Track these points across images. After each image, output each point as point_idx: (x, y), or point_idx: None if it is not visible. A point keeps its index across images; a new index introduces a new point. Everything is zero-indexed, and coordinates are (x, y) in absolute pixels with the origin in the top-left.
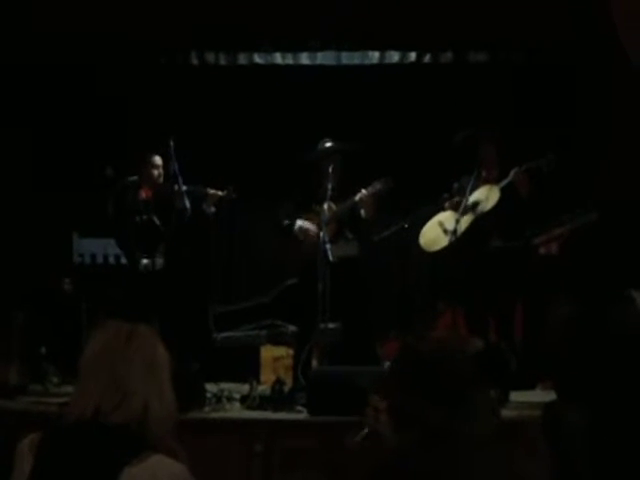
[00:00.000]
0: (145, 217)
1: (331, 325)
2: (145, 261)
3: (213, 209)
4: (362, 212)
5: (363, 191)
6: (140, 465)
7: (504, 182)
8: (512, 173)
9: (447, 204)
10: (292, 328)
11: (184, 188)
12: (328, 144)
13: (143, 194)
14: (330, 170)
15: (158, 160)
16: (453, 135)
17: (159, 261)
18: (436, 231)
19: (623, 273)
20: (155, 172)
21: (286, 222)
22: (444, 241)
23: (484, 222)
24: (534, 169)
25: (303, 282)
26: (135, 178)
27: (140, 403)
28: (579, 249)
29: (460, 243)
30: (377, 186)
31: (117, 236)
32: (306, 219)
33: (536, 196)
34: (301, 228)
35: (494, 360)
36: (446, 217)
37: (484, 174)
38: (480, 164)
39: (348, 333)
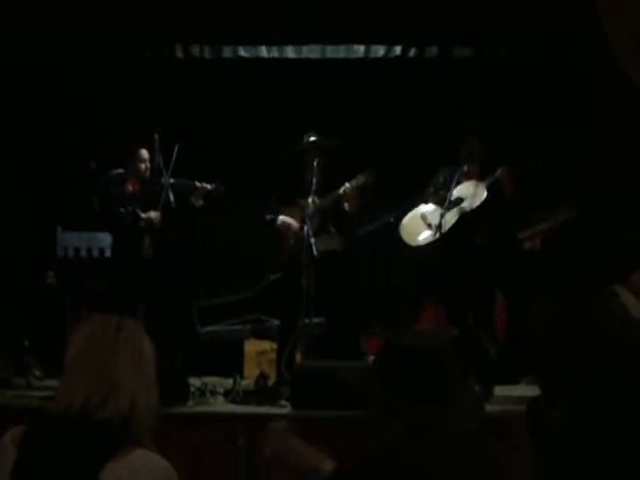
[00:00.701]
0: (130, 210)
1: (315, 320)
2: (143, 216)
3: (201, 202)
4: (346, 205)
5: (347, 184)
6: (122, 460)
7: (490, 180)
8: (499, 171)
9: (430, 198)
10: (276, 322)
11: (170, 181)
12: (312, 138)
13: (130, 187)
14: (315, 164)
15: (145, 154)
16: (439, 128)
17: (146, 252)
18: (418, 224)
19: (606, 268)
20: (142, 166)
21: (269, 217)
22: (427, 235)
23: (470, 219)
24: (519, 169)
25: (287, 276)
26: (121, 171)
27: (128, 396)
28: (561, 244)
29: (446, 239)
30: (361, 179)
31: (105, 228)
32: (289, 214)
33: (521, 195)
34: (284, 223)
35: (472, 348)
36: (429, 211)
37: (466, 168)
38: (463, 158)
39: (332, 327)
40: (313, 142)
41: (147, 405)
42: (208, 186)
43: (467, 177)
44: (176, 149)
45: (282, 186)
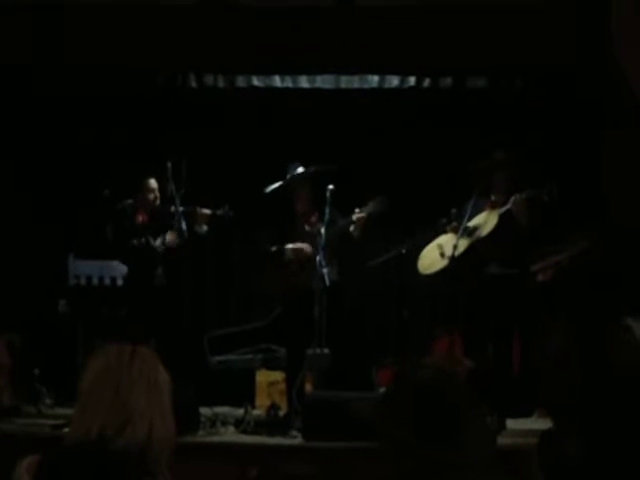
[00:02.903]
0: (143, 240)
1: (325, 350)
2: (160, 240)
3: (205, 228)
4: (354, 233)
5: (357, 210)
6: None
7: (503, 209)
8: (511, 200)
9: (448, 227)
10: (286, 353)
11: (180, 209)
12: (298, 169)
13: (140, 218)
14: (328, 194)
15: (153, 183)
16: (467, 161)
17: (158, 281)
18: (433, 254)
19: (619, 301)
20: (151, 196)
21: (274, 248)
22: (439, 264)
23: (480, 247)
24: (534, 198)
25: (296, 306)
26: (130, 202)
27: (145, 425)
28: (573, 277)
29: (456, 267)
30: (372, 206)
31: (119, 257)
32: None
33: (536, 224)
34: (294, 250)
35: (486, 379)
36: (445, 240)
37: (493, 198)
38: (489, 188)
39: (342, 358)
40: (298, 174)
41: (164, 434)
42: (208, 211)
43: (492, 207)
44: (184, 165)
45: (278, 218)
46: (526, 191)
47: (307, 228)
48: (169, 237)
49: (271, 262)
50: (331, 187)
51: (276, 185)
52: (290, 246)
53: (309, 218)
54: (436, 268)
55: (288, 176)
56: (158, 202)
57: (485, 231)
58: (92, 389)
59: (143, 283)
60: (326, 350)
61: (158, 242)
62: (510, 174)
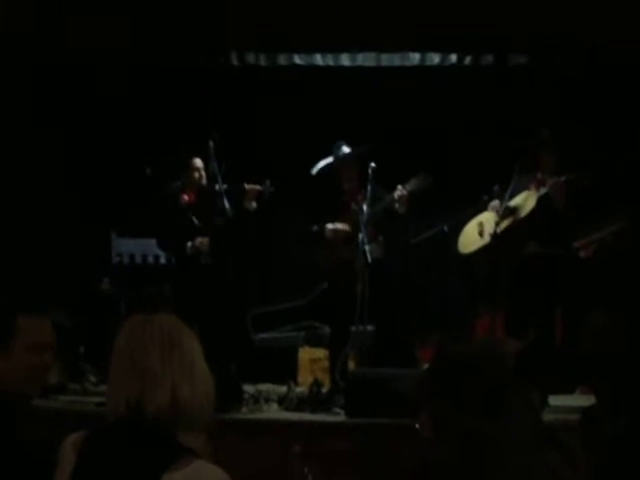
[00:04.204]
0: (188, 221)
1: (368, 327)
2: (190, 244)
3: (254, 205)
4: (398, 209)
5: (399, 187)
6: (179, 472)
7: (542, 191)
8: (549, 183)
9: (489, 206)
10: (329, 330)
11: (224, 187)
12: (343, 148)
13: (186, 198)
14: (370, 172)
15: (198, 163)
16: (513, 139)
17: (204, 260)
18: (472, 232)
19: None
20: (196, 175)
21: (315, 228)
22: (477, 243)
23: (520, 227)
24: (573, 181)
25: (338, 284)
26: (178, 183)
27: (167, 388)
28: (616, 253)
29: (495, 246)
30: (414, 182)
31: (158, 239)
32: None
33: (574, 208)
34: (333, 230)
35: (532, 361)
36: (486, 218)
37: (539, 176)
38: (536, 167)
39: (385, 335)
40: (345, 154)
41: (192, 395)
42: (258, 187)
43: (538, 185)
44: (211, 144)
45: (323, 197)
46: (566, 175)
47: (353, 206)
48: (198, 242)
49: (312, 241)
50: (373, 165)
51: (323, 164)
52: (330, 226)
53: (356, 196)
54: (474, 247)
55: (335, 155)
56: (204, 181)
57: (524, 212)
58: (114, 363)
59: (189, 261)
60: (369, 327)
61: (189, 245)
62: (557, 153)
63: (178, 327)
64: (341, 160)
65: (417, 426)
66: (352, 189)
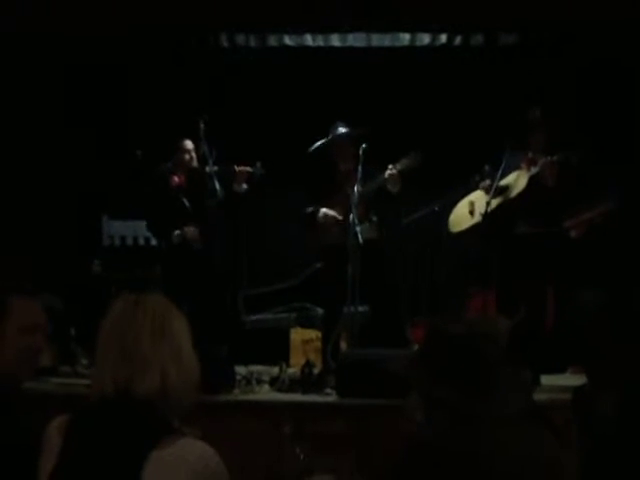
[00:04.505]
0: (178, 203)
1: (360, 308)
2: (177, 232)
3: (245, 186)
4: (391, 188)
5: (390, 166)
6: (167, 449)
7: (533, 171)
8: (540, 163)
9: (481, 185)
10: (321, 311)
11: (214, 169)
12: (341, 128)
13: (176, 179)
14: (360, 152)
15: (189, 144)
16: (504, 118)
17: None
18: (463, 211)
19: None
20: (186, 156)
21: (309, 210)
22: (467, 222)
23: (510, 207)
24: (564, 161)
25: (331, 265)
26: (169, 165)
27: (156, 370)
28: (607, 232)
29: (486, 225)
30: (405, 161)
31: (149, 221)
32: (330, 204)
33: (565, 187)
34: (326, 216)
35: (523, 340)
36: (476, 197)
37: (530, 155)
38: (526, 146)
39: (377, 316)
40: (344, 133)
41: (180, 378)
42: (248, 168)
43: (529, 163)
44: (202, 126)
45: (318, 178)
46: (557, 154)
47: (349, 187)
48: (186, 230)
49: (306, 222)
50: (364, 146)
51: (320, 143)
52: (323, 211)
53: (352, 177)
54: (464, 226)
55: (331, 135)
56: (194, 163)
57: (514, 192)
58: (101, 344)
59: (177, 247)
60: (361, 308)
61: (176, 233)
62: (547, 133)
63: (168, 309)
64: (337, 140)
65: (406, 406)
66: (348, 170)
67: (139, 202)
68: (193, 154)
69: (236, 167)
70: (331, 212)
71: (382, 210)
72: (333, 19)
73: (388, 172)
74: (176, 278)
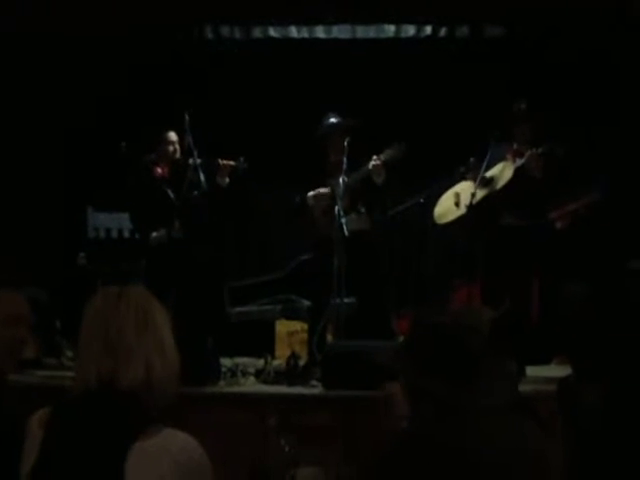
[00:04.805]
0: (160, 193)
1: (346, 300)
2: (154, 234)
3: (227, 180)
4: (376, 180)
5: (375, 157)
6: (150, 440)
7: (519, 162)
8: (526, 155)
9: (467, 176)
10: (307, 303)
11: (198, 161)
12: (334, 119)
13: (159, 170)
14: (345, 144)
15: (173, 136)
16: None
17: (176, 234)
18: (448, 203)
19: (635, 247)
20: (170, 148)
21: (298, 199)
22: (453, 214)
23: (496, 198)
24: (550, 152)
25: (318, 257)
26: (152, 156)
27: (140, 362)
28: (591, 224)
29: (472, 217)
30: (389, 152)
31: (132, 212)
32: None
33: (551, 178)
34: (315, 196)
35: (508, 329)
36: (462, 188)
37: (515, 146)
38: (511, 138)
39: (363, 308)
40: (337, 123)
41: (163, 370)
42: (232, 162)
43: (514, 155)
44: (187, 117)
45: (308, 169)
46: (542, 146)
47: (334, 179)
48: (176, 227)
49: (295, 212)
50: (348, 138)
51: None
52: (311, 193)
53: (341, 168)
54: (450, 218)
55: (323, 125)
56: (178, 155)
57: (500, 183)
58: (84, 336)
59: (160, 236)
60: (347, 300)
61: (155, 234)
62: (532, 125)
63: (150, 301)
64: (329, 130)
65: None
66: (338, 161)
67: (123, 193)
68: (177, 146)
69: (220, 160)
70: (319, 191)
71: (368, 201)
72: (317, 10)
73: (372, 163)
74: (161, 270)
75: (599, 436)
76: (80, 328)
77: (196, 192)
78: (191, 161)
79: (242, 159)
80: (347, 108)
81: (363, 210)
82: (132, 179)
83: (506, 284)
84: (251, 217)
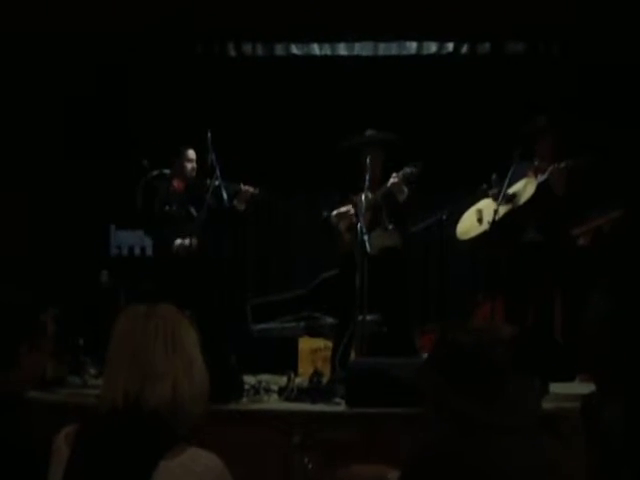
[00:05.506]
0: (175, 208)
1: (370, 317)
2: (179, 241)
3: (243, 206)
4: (397, 197)
5: (394, 174)
6: (175, 459)
7: (541, 178)
8: (549, 170)
9: (490, 193)
10: (330, 320)
11: (216, 183)
12: (369, 133)
13: (175, 185)
14: (368, 160)
15: (192, 154)
16: (514, 126)
17: (194, 242)
18: (471, 219)
19: None
20: (188, 165)
21: (325, 214)
22: (476, 230)
23: (519, 214)
24: (573, 168)
25: (342, 274)
26: (168, 171)
27: (168, 382)
28: (615, 240)
29: (494, 233)
30: (407, 170)
31: (146, 225)
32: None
33: (575, 194)
34: (338, 214)
35: (531, 346)
36: (485, 205)
37: (536, 163)
38: (533, 154)
39: (387, 325)
40: (369, 137)
41: (191, 390)
42: (251, 189)
43: (535, 172)
44: (209, 135)
45: (341, 184)
46: (565, 161)
47: (369, 196)
48: (187, 242)
49: (322, 227)
50: (370, 156)
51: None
52: (334, 212)
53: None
54: (472, 234)
55: (362, 139)
56: (194, 173)
57: (523, 199)
58: (112, 355)
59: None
60: (370, 317)
61: (178, 242)
62: (553, 140)
63: (180, 321)
64: (368, 144)
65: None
66: (375, 178)
67: (141, 205)
68: (194, 165)
69: (242, 186)
70: (342, 208)
71: (393, 217)
72: (340, 28)
73: (391, 181)
74: (182, 287)
75: (622, 454)
76: (108, 347)
77: (218, 209)
78: (209, 181)
79: (263, 188)
80: (369, 125)
81: (391, 227)
82: (144, 191)
83: (529, 300)
84: (274, 234)
